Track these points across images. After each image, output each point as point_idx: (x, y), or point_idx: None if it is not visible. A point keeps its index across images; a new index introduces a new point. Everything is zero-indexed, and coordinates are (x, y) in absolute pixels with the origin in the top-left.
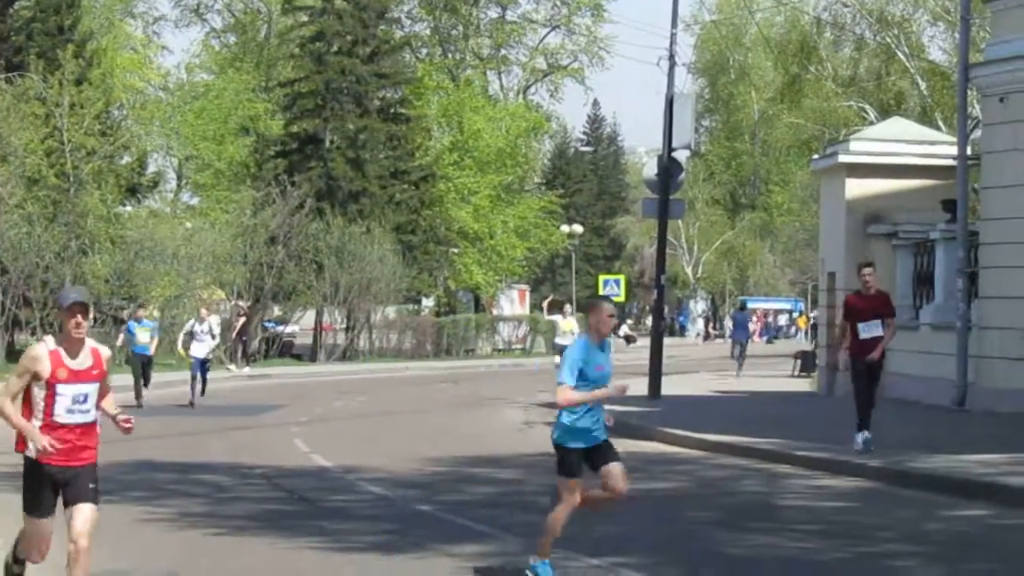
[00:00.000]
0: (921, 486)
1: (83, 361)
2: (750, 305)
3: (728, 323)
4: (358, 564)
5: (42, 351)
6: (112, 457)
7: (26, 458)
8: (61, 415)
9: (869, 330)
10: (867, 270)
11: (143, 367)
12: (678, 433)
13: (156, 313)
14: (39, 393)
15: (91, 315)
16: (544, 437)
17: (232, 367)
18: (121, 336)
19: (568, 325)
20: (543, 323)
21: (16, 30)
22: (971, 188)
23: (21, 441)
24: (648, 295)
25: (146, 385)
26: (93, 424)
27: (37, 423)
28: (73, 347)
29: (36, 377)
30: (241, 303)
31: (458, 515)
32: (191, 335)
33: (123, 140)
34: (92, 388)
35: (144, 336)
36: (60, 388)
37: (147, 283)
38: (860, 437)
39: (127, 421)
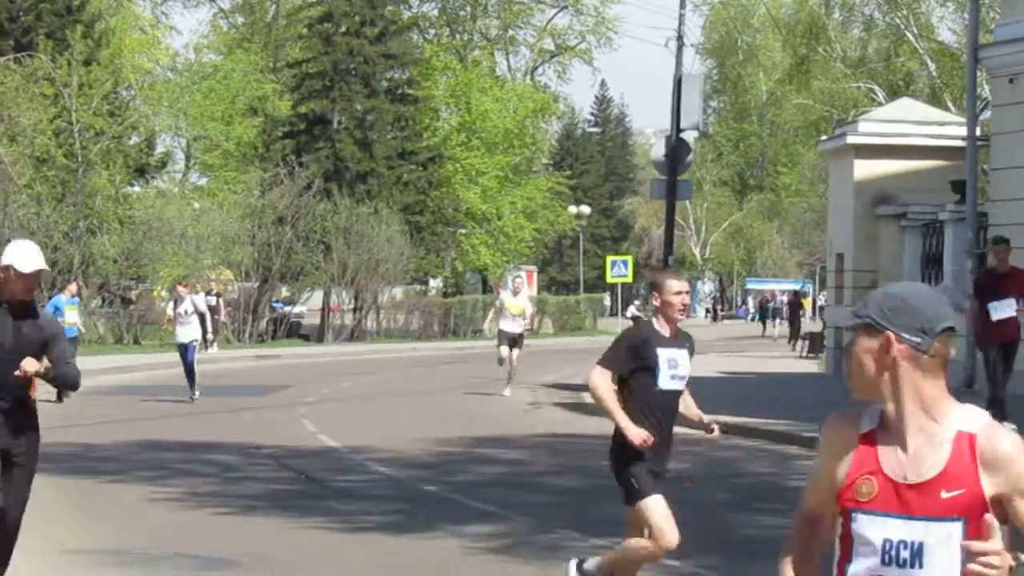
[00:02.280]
0: None
1: (929, 462)
2: (755, 287)
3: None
4: (367, 544)
5: (848, 434)
6: (120, 436)
7: None
8: None
9: (1001, 310)
10: (1002, 246)
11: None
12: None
13: (164, 293)
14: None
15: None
16: (551, 417)
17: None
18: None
19: (517, 307)
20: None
21: (25, 10)
22: (980, 169)
23: None
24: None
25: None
26: None
27: None
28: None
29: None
30: (213, 281)
31: (466, 495)
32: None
33: (131, 120)
34: (945, 531)
35: (73, 315)
36: (865, 522)
37: (155, 263)
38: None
39: None
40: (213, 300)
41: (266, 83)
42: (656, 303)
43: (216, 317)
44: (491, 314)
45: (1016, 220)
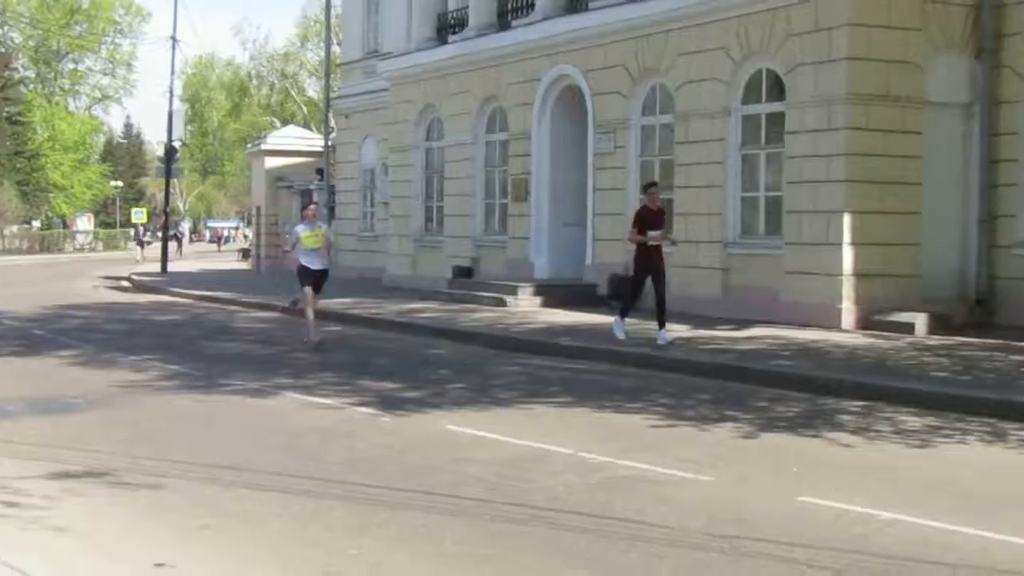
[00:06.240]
0: (333, 318)
1: None
2: (214, 224)
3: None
4: (5, 363)
5: None
6: None
7: None
8: None
9: (653, 235)
10: (654, 188)
11: None
12: (177, 290)
13: None
14: None
15: None
16: (106, 294)
17: None
18: None
19: (315, 238)
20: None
21: None
22: (329, 163)
23: None
24: (160, 219)
25: None
26: None
27: None
28: None
29: None
30: None
31: (58, 335)
32: None
33: None
34: None
35: None
36: None
37: None
38: (619, 325)
39: None
40: None
41: None
42: None
43: None
44: (291, 250)
45: (401, 194)
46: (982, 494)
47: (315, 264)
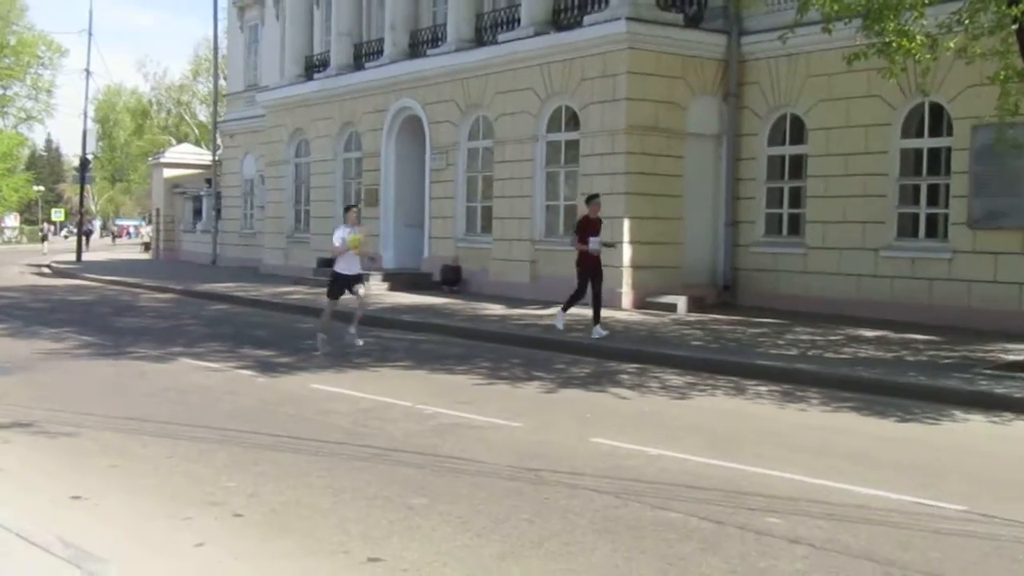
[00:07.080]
0: (200, 295)
1: None
2: (120, 223)
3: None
4: None
5: None
6: None
7: None
8: None
9: (594, 243)
10: (596, 200)
11: None
12: (90, 275)
13: None
14: None
15: None
16: (32, 279)
17: None
18: None
19: (355, 241)
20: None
21: None
22: (216, 174)
23: None
24: (75, 218)
25: None
26: None
27: None
28: None
29: None
30: None
31: None
32: None
33: None
34: None
35: None
36: None
37: None
38: (559, 317)
39: None
40: None
41: None
42: None
43: None
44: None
45: (275, 199)
46: (726, 434)
47: (350, 269)
